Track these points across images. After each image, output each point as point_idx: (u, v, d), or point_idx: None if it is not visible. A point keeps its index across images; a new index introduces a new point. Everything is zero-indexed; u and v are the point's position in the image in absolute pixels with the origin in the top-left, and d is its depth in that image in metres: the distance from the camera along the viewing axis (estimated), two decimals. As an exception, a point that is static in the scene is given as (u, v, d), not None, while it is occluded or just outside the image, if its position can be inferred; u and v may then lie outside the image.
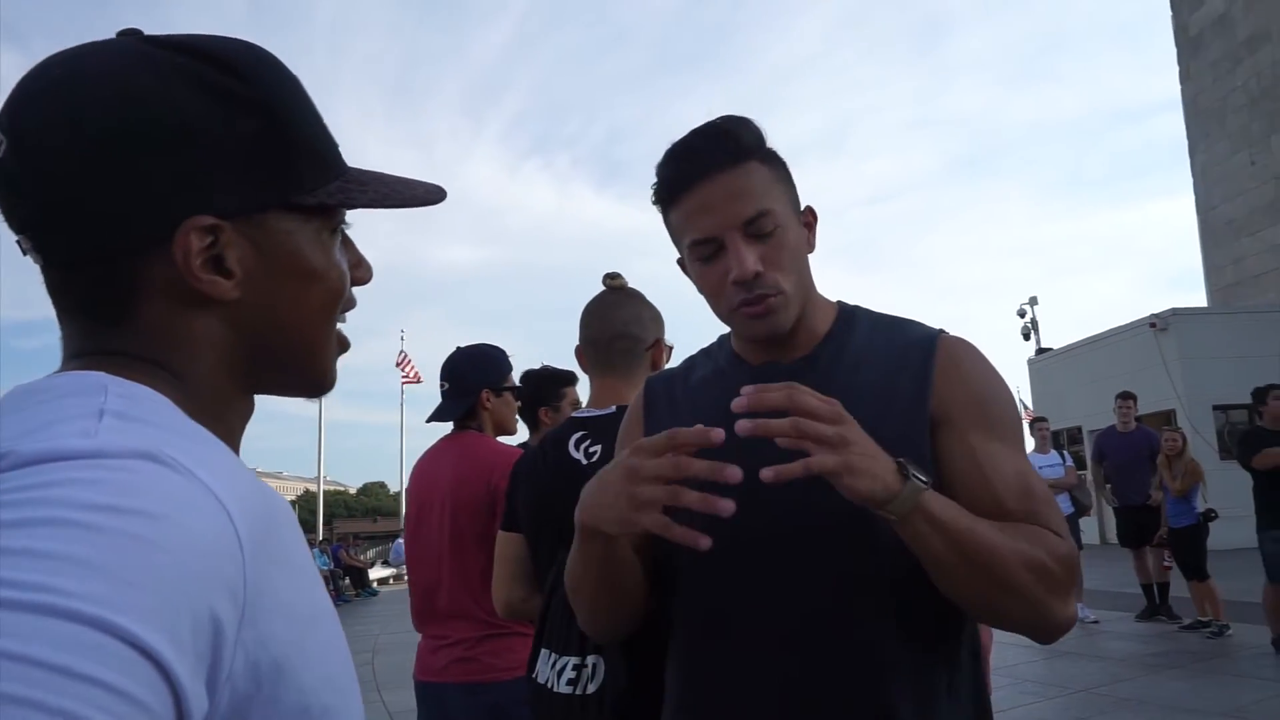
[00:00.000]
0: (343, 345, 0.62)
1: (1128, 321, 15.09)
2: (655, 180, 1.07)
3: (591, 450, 1.55)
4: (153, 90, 0.51)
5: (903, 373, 1.04)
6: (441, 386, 2.37)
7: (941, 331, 1.09)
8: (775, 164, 1.06)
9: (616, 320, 1.65)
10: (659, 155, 1.07)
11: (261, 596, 0.43)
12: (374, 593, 19.44)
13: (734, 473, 0.82)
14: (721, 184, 1.01)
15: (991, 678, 1.06)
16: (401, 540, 25.56)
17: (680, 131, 1.07)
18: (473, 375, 2.34)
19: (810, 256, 1.10)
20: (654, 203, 1.09)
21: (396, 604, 14.60)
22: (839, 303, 1.16)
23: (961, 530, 0.88)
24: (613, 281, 1.72)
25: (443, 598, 2.20)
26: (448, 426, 2.39)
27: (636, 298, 1.71)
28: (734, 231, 1.01)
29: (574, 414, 1.68)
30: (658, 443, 0.87)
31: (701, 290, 1.08)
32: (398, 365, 27.06)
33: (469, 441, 2.31)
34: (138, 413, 0.46)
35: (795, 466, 0.83)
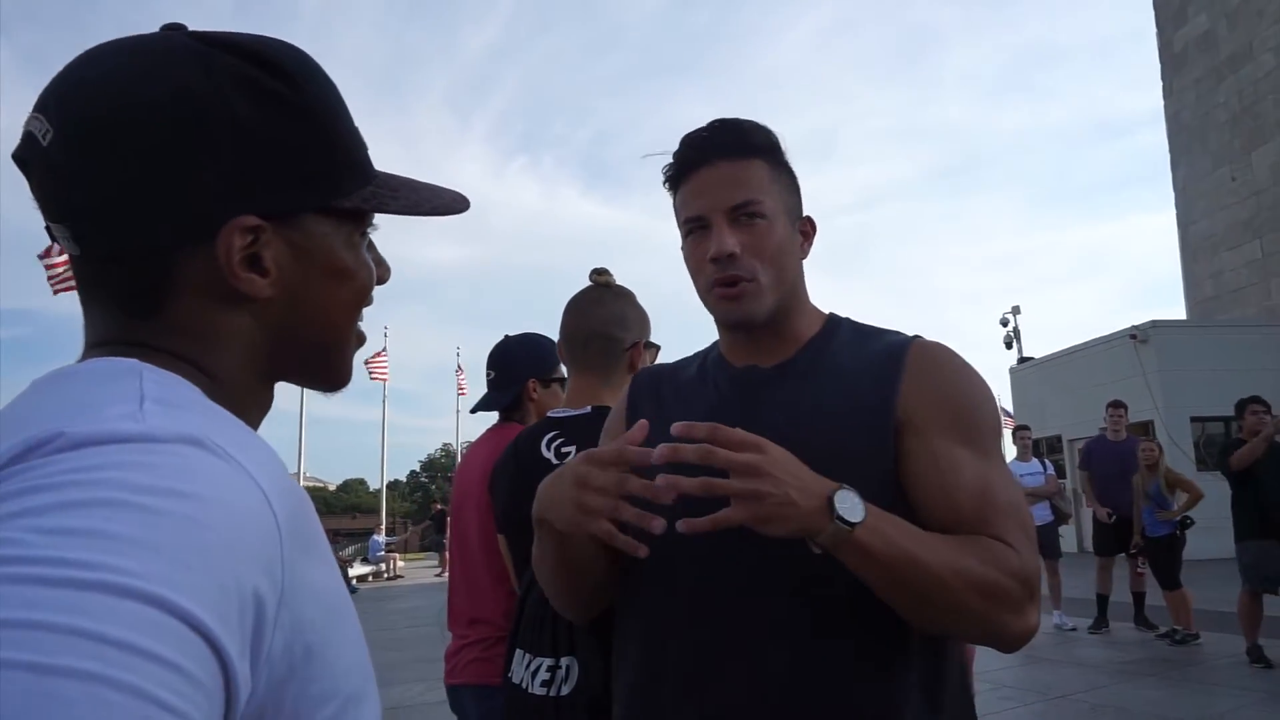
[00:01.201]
0: (360, 340, 0.63)
1: (1108, 332, 15.27)
2: (667, 164, 1.14)
3: (564, 450, 1.53)
4: (205, 90, 0.51)
5: (872, 377, 1.05)
6: (488, 375, 2.29)
7: (916, 337, 1.11)
8: (780, 169, 1.12)
9: (595, 318, 1.63)
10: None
11: (296, 580, 0.44)
12: (353, 590, 19.33)
13: (666, 495, 0.87)
14: (720, 171, 1.08)
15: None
16: (378, 537, 25.12)
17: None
18: (521, 364, 2.24)
19: (805, 265, 1.15)
20: (664, 185, 1.15)
21: (373, 602, 14.54)
22: (829, 314, 1.19)
23: (898, 560, 0.89)
24: (599, 278, 1.69)
25: (469, 595, 2.16)
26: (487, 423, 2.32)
27: (623, 296, 1.67)
28: (720, 214, 1.07)
29: (550, 413, 1.66)
30: (607, 454, 0.93)
31: (687, 267, 1.13)
32: (366, 364, 26.85)
33: (510, 435, 2.26)
34: (175, 398, 0.47)
35: (703, 522, 0.87)
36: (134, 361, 0.49)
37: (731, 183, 1.07)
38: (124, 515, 0.37)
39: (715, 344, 1.22)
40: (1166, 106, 20.31)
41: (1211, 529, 6.81)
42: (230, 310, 0.54)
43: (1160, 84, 20.51)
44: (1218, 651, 6.30)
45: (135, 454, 0.41)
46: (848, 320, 1.18)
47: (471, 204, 0.68)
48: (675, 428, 0.88)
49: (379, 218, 0.62)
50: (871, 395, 1.03)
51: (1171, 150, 20.11)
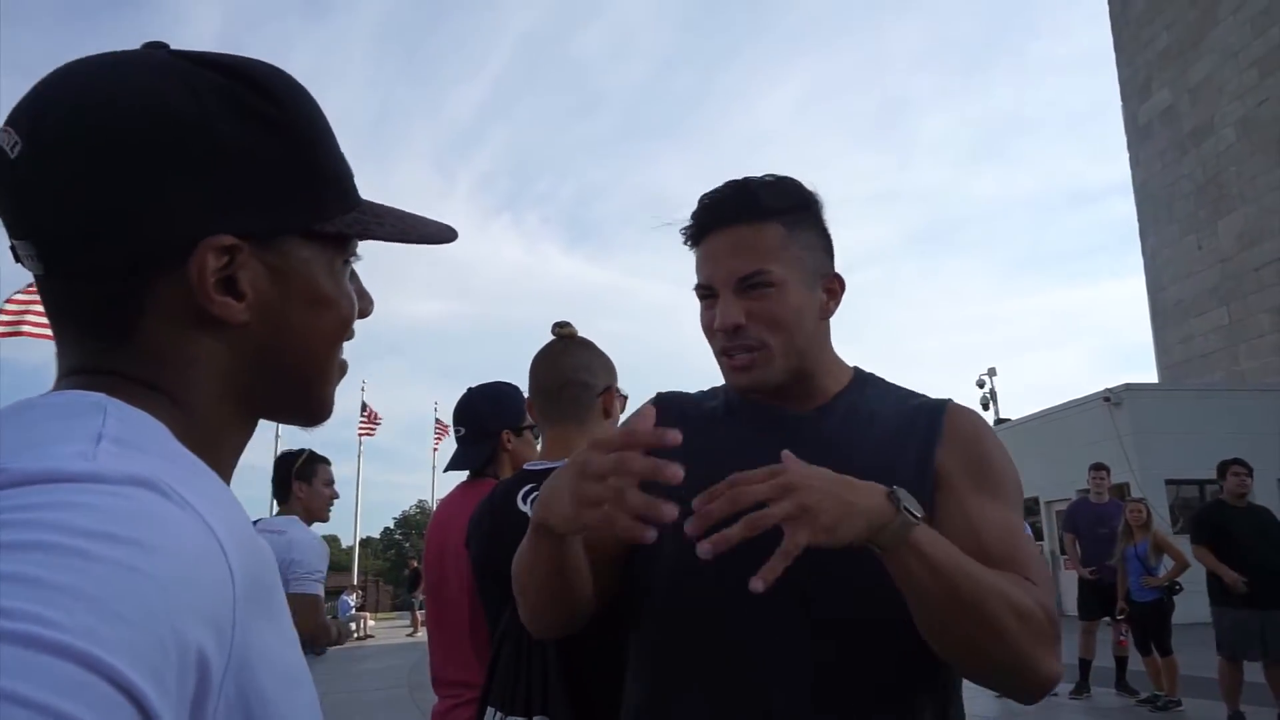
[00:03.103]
0: (342, 371, 0.60)
1: (1082, 395, 15.45)
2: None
3: None
4: (182, 103, 0.49)
5: (912, 432, 1.07)
6: (456, 432, 2.21)
7: (950, 400, 1.13)
8: (800, 229, 1.09)
9: (565, 367, 1.62)
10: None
11: (249, 645, 0.41)
12: (321, 650, 18.74)
13: (675, 472, 0.80)
14: (730, 237, 1.08)
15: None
16: (348, 597, 24.41)
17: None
18: (491, 417, 2.17)
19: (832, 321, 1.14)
20: (684, 243, 1.14)
21: (343, 662, 14.11)
22: (855, 368, 1.19)
23: (951, 567, 0.87)
24: (561, 330, 1.69)
25: (451, 654, 2.08)
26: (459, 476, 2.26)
27: (586, 345, 1.68)
28: (727, 284, 1.06)
29: (525, 466, 1.64)
30: (611, 439, 0.86)
31: (702, 328, 1.14)
32: (364, 417, 26.60)
33: (483, 489, 2.12)
34: (136, 439, 0.44)
35: (775, 563, 0.80)
36: (100, 396, 0.46)
37: (740, 251, 1.06)
38: (56, 560, 0.34)
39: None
40: (1134, 177, 20.98)
41: (1191, 593, 6.78)
42: (204, 336, 0.51)
43: (1127, 154, 21.19)
44: (1200, 718, 6.23)
45: (78, 494, 0.37)
46: (874, 375, 1.19)
47: (458, 242, 0.65)
48: (696, 502, 0.83)
49: (363, 251, 0.60)
50: (912, 446, 1.05)
51: (1140, 219, 20.71)
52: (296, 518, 3.18)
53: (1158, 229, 19.99)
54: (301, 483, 3.25)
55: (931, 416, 1.08)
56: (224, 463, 0.54)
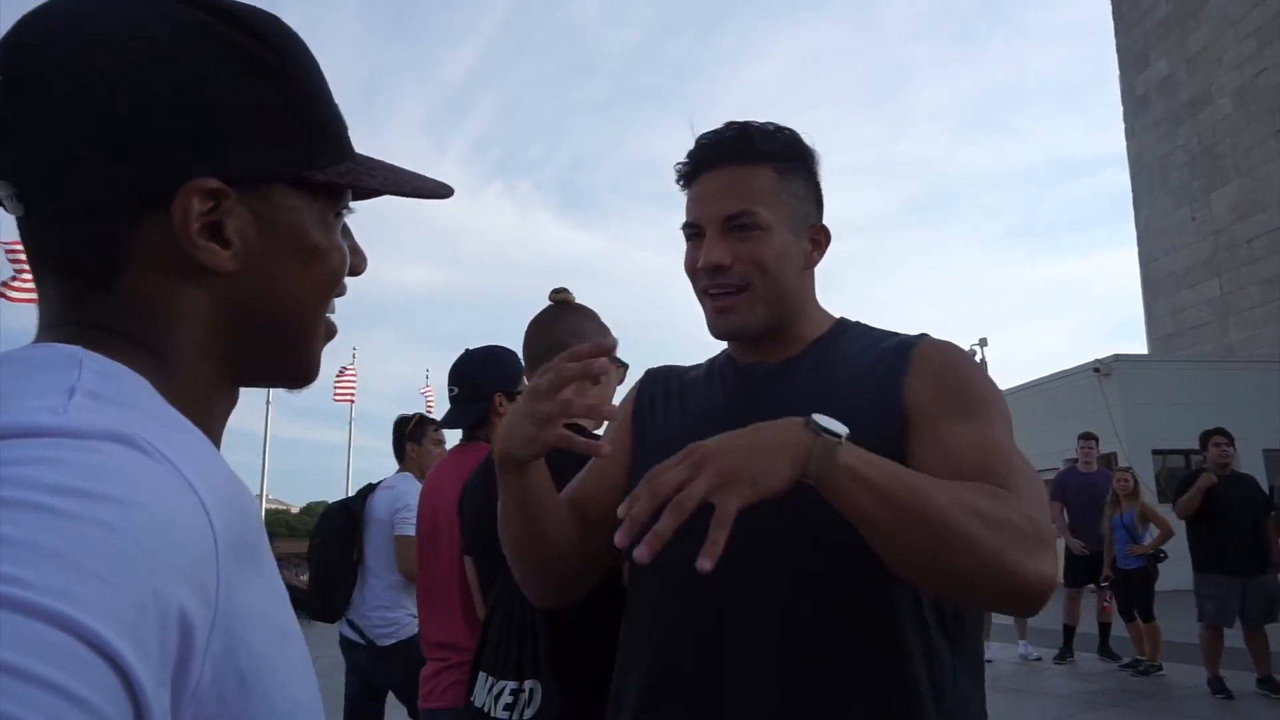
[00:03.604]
0: (330, 332, 0.59)
1: (1073, 366, 15.52)
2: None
3: None
4: (168, 41, 0.47)
5: (878, 370, 1.04)
6: (450, 392, 2.22)
7: (925, 335, 1.09)
8: (792, 176, 1.09)
9: (554, 333, 1.62)
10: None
11: (234, 602, 0.39)
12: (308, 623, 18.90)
13: (602, 365, 0.92)
14: (720, 177, 1.08)
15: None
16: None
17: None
18: (486, 379, 2.17)
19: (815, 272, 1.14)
20: (676, 183, 1.14)
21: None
22: (840, 318, 1.17)
23: (895, 483, 0.82)
24: (558, 296, 1.69)
25: (444, 618, 2.10)
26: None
27: (580, 311, 1.67)
28: (714, 223, 1.06)
29: None
30: (551, 363, 0.95)
31: (685, 269, 1.13)
32: (337, 378, 26.23)
33: (477, 454, 2.13)
34: (113, 393, 0.43)
35: (712, 544, 0.75)
36: (77, 349, 0.45)
37: (730, 192, 1.06)
38: (24, 517, 0.32)
39: (725, 349, 1.21)
40: (1129, 148, 20.90)
41: (1174, 560, 6.88)
42: (188, 285, 0.49)
43: (1123, 126, 21.10)
44: (1180, 682, 6.34)
45: (49, 449, 0.36)
46: (859, 323, 1.17)
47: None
48: (620, 510, 0.80)
49: (355, 215, 0.59)
50: (877, 387, 1.02)
51: (1134, 190, 20.66)
52: (410, 474, 3.58)
53: (1151, 200, 19.96)
54: (413, 444, 3.64)
55: (899, 351, 1.05)
56: (210, 424, 0.52)
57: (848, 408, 0.91)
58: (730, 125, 1.10)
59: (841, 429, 0.82)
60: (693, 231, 1.10)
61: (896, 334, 1.12)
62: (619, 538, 0.79)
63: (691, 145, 1.11)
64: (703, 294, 1.10)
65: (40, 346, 0.46)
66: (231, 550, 0.40)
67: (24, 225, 0.49)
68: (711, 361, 1.22)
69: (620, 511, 0.80)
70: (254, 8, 0.52)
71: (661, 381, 1.22)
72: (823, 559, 0.96)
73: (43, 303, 0.50)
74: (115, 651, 0.32)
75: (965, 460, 0.92)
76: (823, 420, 0.82)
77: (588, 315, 1.67)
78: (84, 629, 0.31)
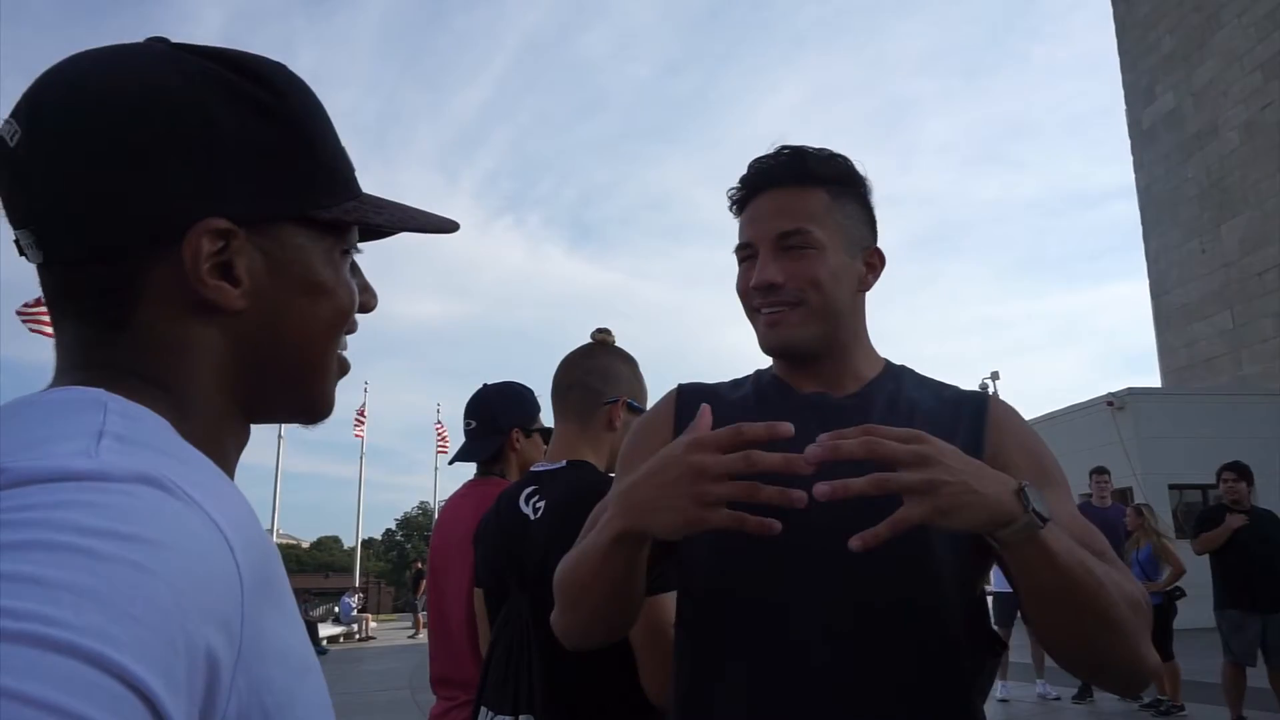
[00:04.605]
0: (343, 368, 0.60)
1: (1085, 399, 15.41)
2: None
3: (538, 505, 1.53)
4: (178, 88, 0.50)
5: (957, 422, 1.05)
6: (466, 425, 2.22)
7: (988, 391, 1.14)
8: (843, 198, 1.10)
9: (581, 369, 1.64)
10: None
11: (259, 639, 0.40)
12: (323, 651, 18.76)
13: (805, 467, 0.80)
14: (774, 199, 1.09)
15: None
16: (349, 599, 24.37)
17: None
18: (502, 414, 2.18)
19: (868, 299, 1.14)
20: (730, 209, 1.15)
21: (344, 664, 14.11)
22: (886, 359, 1.18)
23: (1074, 563, 0.84)
24: (598, 335, 1.72)
25: (454, 655, 2.07)
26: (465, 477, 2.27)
27: (616, 354, 1.69)
28: (768, 242, 1.07)
29: (532, 468, 1.66)
30: (722, 438, 0.84)
31: (737, 290, 1.13)
32: (358, 415, 26.70)
33: (492, 489, 2.09)
34: (138, 435, 0.44)
35: (882, 529, 0.79)
36: (99, 392, 0.46)
37: (783, 211, 1.07)
38: (62, 559, 0.34)
39: (761, 371, 1.19)
40: (1137, 180, 20.94)
41: (1194, 597, 6.77)
42: (200, 324, 0.51)
43: (1131, 158, 21.17)
44: (1202, 724, 6.22)
45: (82, 493, 0.37)
46: (906, 367, 1.17)
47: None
48: (822, 437, 0.81)
49: (367, 252, 0.60)
50: (960, 435, 1.02)
51: (1143, 222, 20.66)
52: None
53: (1161, 233, 19.94)
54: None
55: (976, 408, 1.08)
56: (225, 460, 0.53)
57: None
58: (783, 149, 1.11)
59: (1047, 510, 0.83)
60: (747, 253, 1.10)
61: (950, 385, 1.14)
62: (812, 453, 0.80)
63: (743, 173, 1.12)
64: (754, 312, 1.10)
65: (64, 390, 0.48)
66: (255, 587, 0.41)
67: (43, 272, 0.51)
68: (756, 384, 1.17)
69: (823, 438, 0.81)
70: (261, 57, 0.55)
71: (697, 399, 1.14)
72: (895, 572, 0.96)
73: (60, 346, 0.52)
74: (149, 689, 0.33)
75: (1074, 534, 0.93)
76: (1034, 497, 0.82)
77: (622, 358, 1.69)
78: (120, 668, 0.32)
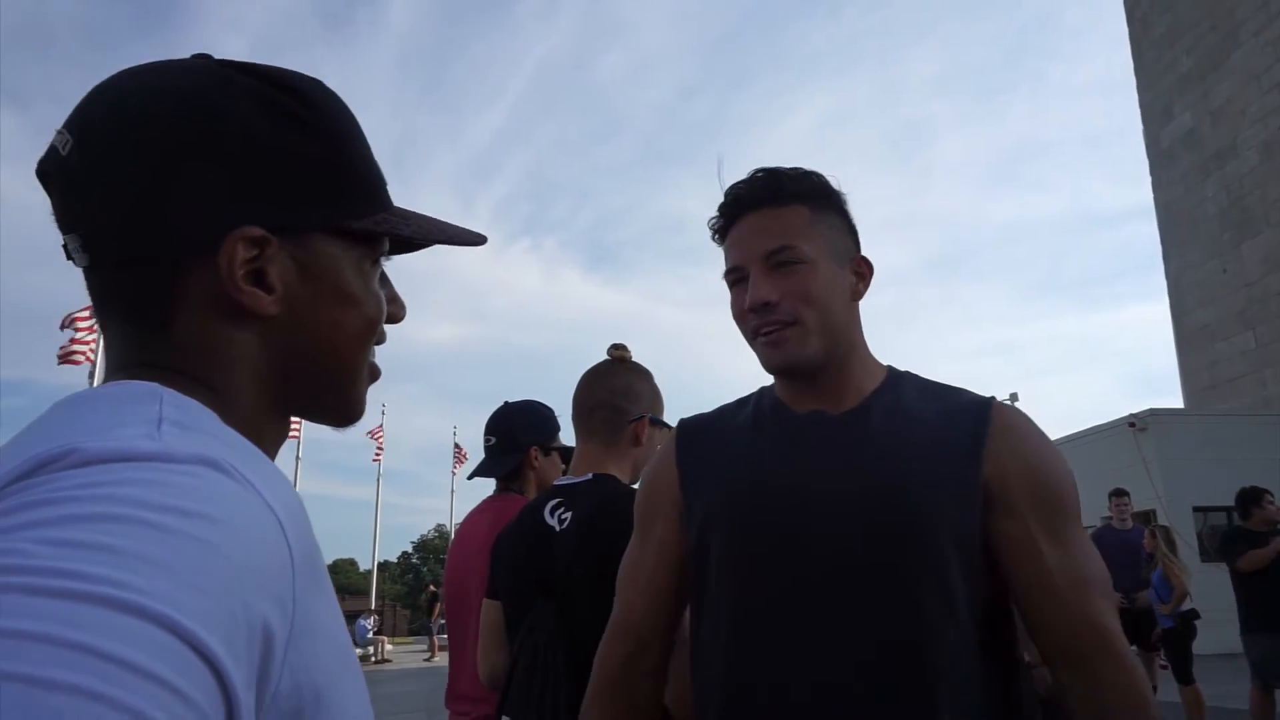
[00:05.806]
0: (374, 375, 0.62)
1: (1107, 420, 15.24)
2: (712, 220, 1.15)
3: (564, 516, 1.54)
4: (218, 100, 0.53)
5: (955, 433, 1.03)
6: (487, 441, 2.25)
7: (994, 398, 1.09)
8: (826, 212, 1.11)
9: (603, 388, 1.65)
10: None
11: (309, 618, 0.42)
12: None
13: None
14: (755, 220, 1.10)
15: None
16: (364, 621, 24.46)
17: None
18: (523, 431, 2.21)
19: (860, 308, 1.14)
20: (713, 239, 1.16)
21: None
22: (888, 366, 1.17)
23: None
24: (615, 352, 1.72)
25: (472, 667, 2.11)
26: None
27: (635, 371, 1.70)
28: (756, 262, 1.07)
29: (555, 481, 1.68)
30: None
31: (734, 320, 1.14)
32: (370, 435, 26.87)
33: (510, 506, 2.12)
34: (193, 421, 0.46)
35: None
36: (154, 385, 0.49)
37: (764, 230, 1.07)
38: (133, 531, 0.36)
39: (764, 390, 1.19)
40: (1156, 200, 20.81)
41: (1217, 622, 6.65)
42: (237, 328, 0.53)
43: (1149, 178, 21.07)
44: (1231, 751, 6.08)
45: (149, 472, 0.39)
46: (910, 373, 1.16)
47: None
48: None
49: (389, 269, 0.62)
50: (957, 448, 1.02)
51: (1163, 242, 20.50)
52: None
53: (1181, 253, 19.79)
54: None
55: (976, 418, 1.05)
56: (265, 452, 0.55)
57: (928, 468, 0.97)
58: (757, 172, 1.12)
59: None
60: (736, 276, 1.10)
61: (957, 389, 1.12)
62: None
63: (720, 199, 1.13)
64: (753, 335, 1.09)
65: (120, 383, 0.50)
66: (305, 570, 0.43)
67: (90, 275, 0.54)
68: (755, 405, 1.17)
69: None
70: (297, 73, 0.58)
71: (699, 433, 1.18)
72: (909, 624, 0.97)
73: (109, 347, 0.55)
74: (213, 654, 0.35)
75: (1060, 594, 0.98)
76: None
77: (642, 375, 1.70)
78: (188, 632, 0.34)
